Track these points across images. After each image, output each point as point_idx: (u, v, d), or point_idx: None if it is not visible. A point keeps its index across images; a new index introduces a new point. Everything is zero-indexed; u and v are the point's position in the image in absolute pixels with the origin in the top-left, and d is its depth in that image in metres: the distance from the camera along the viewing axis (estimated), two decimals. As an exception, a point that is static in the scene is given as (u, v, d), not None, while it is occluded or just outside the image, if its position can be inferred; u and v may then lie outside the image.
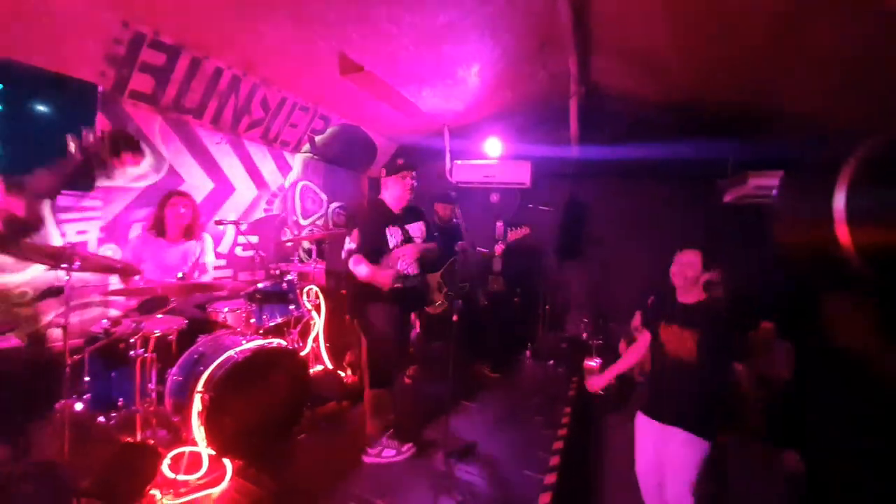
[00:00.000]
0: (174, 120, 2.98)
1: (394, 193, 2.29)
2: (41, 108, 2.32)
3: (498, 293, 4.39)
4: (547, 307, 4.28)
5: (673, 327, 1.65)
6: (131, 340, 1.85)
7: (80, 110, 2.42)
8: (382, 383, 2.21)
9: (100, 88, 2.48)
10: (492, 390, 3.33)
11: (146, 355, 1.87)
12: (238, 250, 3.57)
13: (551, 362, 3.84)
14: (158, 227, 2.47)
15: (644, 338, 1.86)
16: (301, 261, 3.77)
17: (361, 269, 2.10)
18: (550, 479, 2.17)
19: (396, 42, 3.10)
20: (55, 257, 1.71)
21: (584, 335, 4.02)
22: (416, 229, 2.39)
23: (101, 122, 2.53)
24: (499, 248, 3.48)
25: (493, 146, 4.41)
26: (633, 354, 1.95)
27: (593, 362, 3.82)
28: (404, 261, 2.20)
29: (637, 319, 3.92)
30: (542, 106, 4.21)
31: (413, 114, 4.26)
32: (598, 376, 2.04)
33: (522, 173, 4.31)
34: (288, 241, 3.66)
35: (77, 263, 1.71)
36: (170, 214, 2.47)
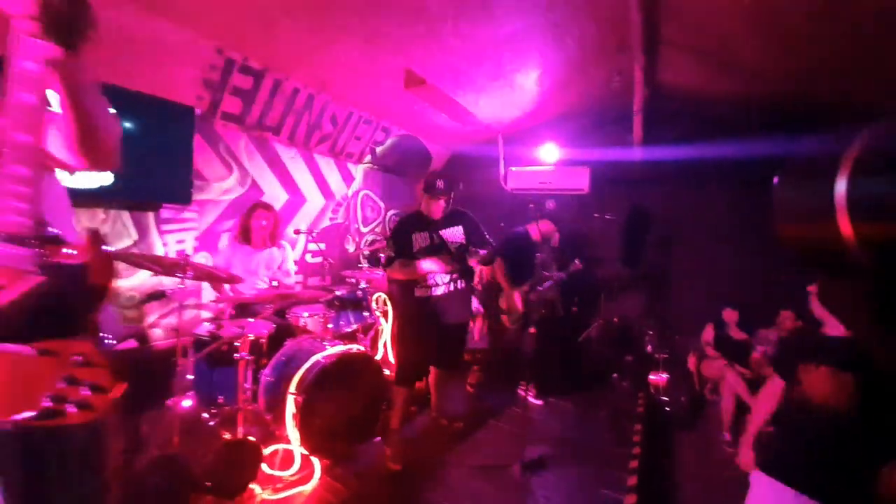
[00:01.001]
0: (256, 137, 3.22)
1: (428, 208, 2.37)
2: (149, 130, 2.58)
3: (553, 304, 4.31)
4: (615, 319, 4.14)
5: (822, 370, 1.30)
6: (236, 343, 2.01)
7: (180, 131, 2.67)
8: (402, 382, 2.36)
9: (197, 111, 2.73)
10: (554, 403, 3.26)
11: (248, 357, 2.02)
12: (308, 257, 3.77)
13: (615, 375, 3.70)
14: (244, 235, 2.65)
15: (776, 384, 1.49)
16: (364, 267, 3.91)
17: (394, 268, 2.30)
18: (630, 500, 2.09)
19: (459, 54, 3.17)
20: (170, 267, 1.89)
21: (649, 348, 3.84)
22: (453, 233, 2.42)
23: (200, 143, 2.79)
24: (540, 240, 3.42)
25: (550, 152, 4.36)
26: (765, 403, 1.53)
27: (659, 377, 3.66)
28: (432, 276, 2.31)
29: (708, 333, 3.70)
30: (602, 108, 4.12)
31: (469, 122, 4.31)
32: (744, 451, 1.54)
33: (581, 179, 4.22)
34: (371, 247, 3.80)
35: (190, 273, 1.88)
36: (255, 224, 2.65)
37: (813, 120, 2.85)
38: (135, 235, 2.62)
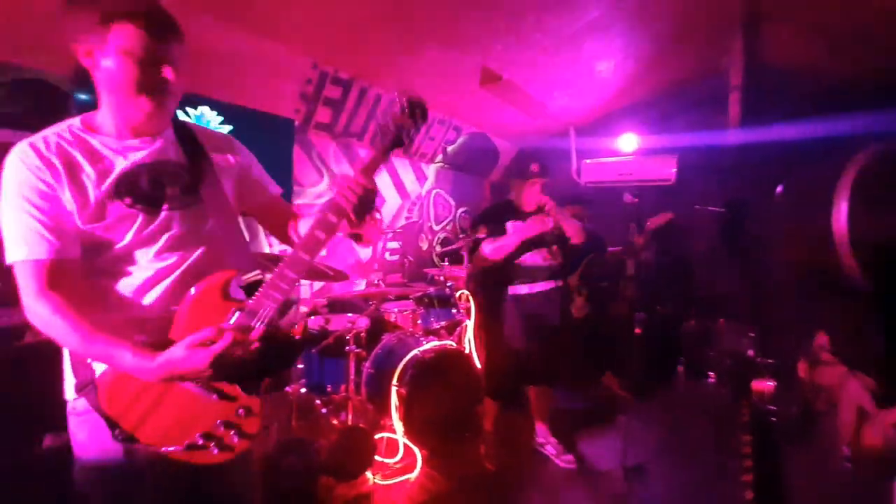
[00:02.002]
0: (343, 144, 3.42)
1: (520, 196, 2.23)
2: (256, 142, 2.84)
3: (633, 300, 4.09)
4: (705, 319, 3.85)
5: None
6: (347, 337, 2.16)
7: (283, 142, 2.91)
8: (495, 396, 2.13)
9: (295, 122, 2.96)
10: (642, 407, 3.10)
11: (356, 350, 2.17)
12: (387, 255, 3.94)
13: (711, 380, 3.44)
14: (355, 236, 2.82)
15: None
16: (438, 265, 4.00)
17: (496, 245, 2.04)
18: (750, 513, 1.94)
19: (538, 46, 3.11)
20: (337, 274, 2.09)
21: (750, 352, 3.51)
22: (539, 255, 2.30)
23: (297, 152, 3.03)
24: (639, 240, 3.21)
25: (629, 141, 4.12)
26: None
27: (765, 384, 3.33)
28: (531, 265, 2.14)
29: (822, 337, 3.29)
30: (691, 90, 3.81)
31: (539, 115, 4.22)
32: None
33: (666, 168, 3.93)
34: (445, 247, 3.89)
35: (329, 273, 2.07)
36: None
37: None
38: (247, 238, 2.91)
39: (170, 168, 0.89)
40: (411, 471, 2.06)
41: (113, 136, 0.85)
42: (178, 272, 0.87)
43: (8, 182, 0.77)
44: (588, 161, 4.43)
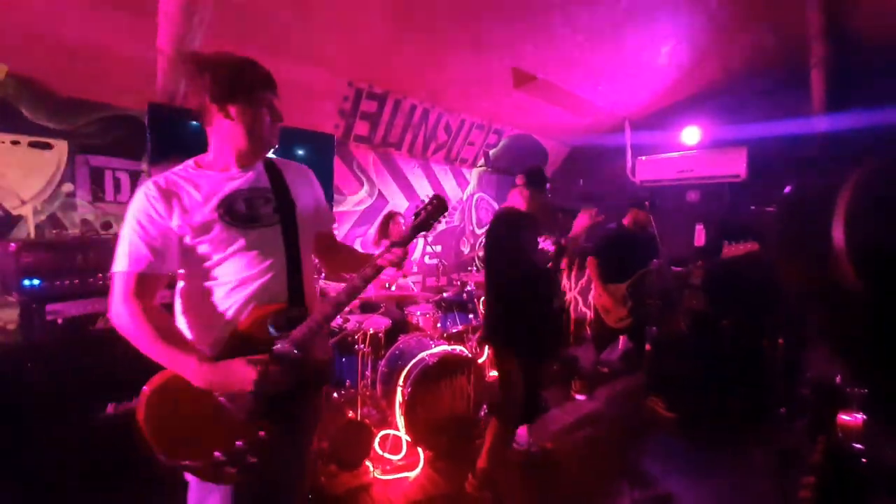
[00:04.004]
0: (382, 153, 3.64)
1: (535, 208, 2.00)
2: (301, 158, 3.18)
3: (698, 313, 3.64)
4: (779, 340, 3.29)
5: None
6: (356, 336, 2.33)
7: (324, 155, 3.20)
8: (509, 420, 1.96)
9: (335, 137, 3.24)
10: (685, 434, 2.77)
11: (365, 349, 2.33)
12: (426, 259, 4.08)
13: (783, 410, 2.92)
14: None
15: None
16: (478, 269, 4.02)
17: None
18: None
19: (570, 42, 2.96)
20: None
21: (838, 379, 2.90)
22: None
23: (337, 163, 3.31)
24: (697, 272, 2.82)
25: (691, 134, 3.70)
26: None
27: (854, 417, 2.73)
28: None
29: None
30: (761, 75, 3.28)
31: (587, 112, 3.99)
32: None
33: (735, 162, 3.46)
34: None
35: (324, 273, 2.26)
36: (394, 229, 2.98)
37: None
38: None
39: (259, 194, 1.06)
40: (413, 469, 2.14)
41: (217, 171, 1.05)
42: (258, 282, 1.01)
43: (131, 209, 0.96)
44: (643, 157, 4.08)
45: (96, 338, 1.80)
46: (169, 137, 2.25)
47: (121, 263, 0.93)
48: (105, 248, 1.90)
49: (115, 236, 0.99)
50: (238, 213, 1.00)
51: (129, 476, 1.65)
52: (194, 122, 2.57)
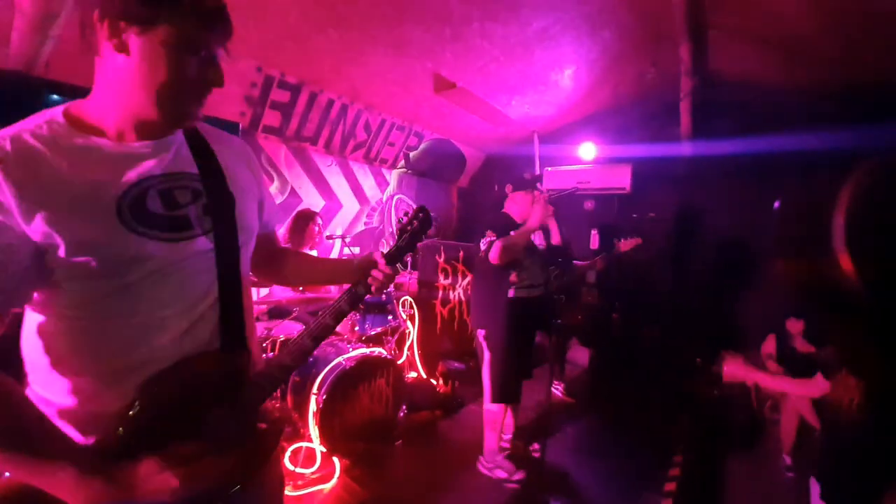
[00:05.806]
0: (295, 148, 3.40)
1: (522, 211, 2.19)
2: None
3: (592, 307, 4.10)
4: (656, 328, 3.86)
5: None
6: (263, 344, 2.13)
7: (226, 146, 2.89)
8: (505, 398, 2.14)
9: (240, 126, 2.94)
10: (582, 414, 3.10)
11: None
12: (343, 261, 3.92)
13: (657, 391, 3.44)
14: (299, 240, 2.72)
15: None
16: (400, 270, 3.99)
17: (503, 246, 1.95)
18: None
19: (487, 55, 3.12)
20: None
21: (699, 360, 3.52)
22: (537, 237, 2.34)
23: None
24: (600, 262, 3.19)
25: (588, 150, 4.16)
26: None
27: (711, 392, 3.33)
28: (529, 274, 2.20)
29: (770, 344, 3.30)
30: (644, 102, 3.85)
31: (501, 123, 4.24)
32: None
33: (622, 177, 3.98)
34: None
35: None
36: (311, 229, 2.74)
37: (888, 109, 2.46)
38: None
39: (180, 182, 0.68)
40: (328, 481, 2.03)
41: (110, 138, 0.64)
42: (178, 321, 0.66)
43: None
44: (549, 168, 4.48)
45: None
46: (20, 116, 1.78)
47: None
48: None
49: None
50: (149, 215, 0.63)
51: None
52: (56, 96, 2.15)
